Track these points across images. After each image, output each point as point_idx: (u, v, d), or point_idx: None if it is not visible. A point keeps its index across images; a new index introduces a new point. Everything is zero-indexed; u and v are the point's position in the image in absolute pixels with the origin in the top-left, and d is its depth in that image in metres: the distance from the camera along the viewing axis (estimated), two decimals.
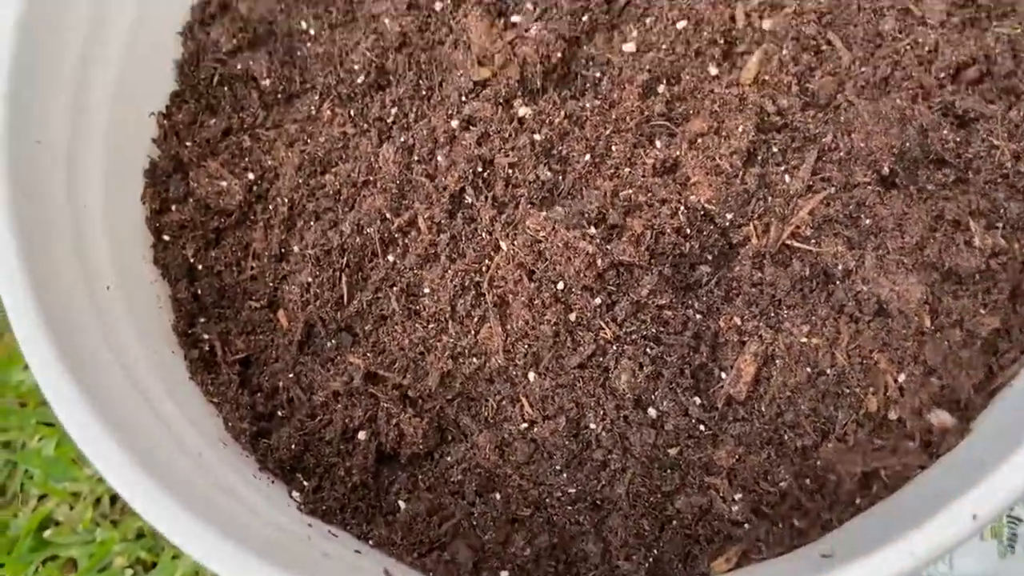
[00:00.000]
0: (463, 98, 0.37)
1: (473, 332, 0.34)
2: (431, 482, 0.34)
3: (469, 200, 0.35)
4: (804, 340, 0.32)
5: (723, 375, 0.33)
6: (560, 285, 0.33)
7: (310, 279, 0.36)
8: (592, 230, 0.33)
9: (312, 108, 0.40)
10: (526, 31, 0.37)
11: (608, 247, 0.33)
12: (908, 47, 0.34)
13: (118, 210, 0.36)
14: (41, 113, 0.32)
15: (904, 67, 0.33)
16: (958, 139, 0.32)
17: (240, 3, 0.40)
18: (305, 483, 0.34)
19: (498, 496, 0.34)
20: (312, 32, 0.41)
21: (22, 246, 0.29)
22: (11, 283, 0.28)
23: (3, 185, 0.30)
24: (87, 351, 0.29)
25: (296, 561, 0.28)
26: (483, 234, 0.35)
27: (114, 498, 0.53)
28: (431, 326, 0.35)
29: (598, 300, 0.33)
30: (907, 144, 0.32)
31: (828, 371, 0.32)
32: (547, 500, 0.33)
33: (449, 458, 0.34)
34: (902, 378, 0.31)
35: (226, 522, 0.28)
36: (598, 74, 0.37)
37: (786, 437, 0.32)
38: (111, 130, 0.36)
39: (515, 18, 0.38)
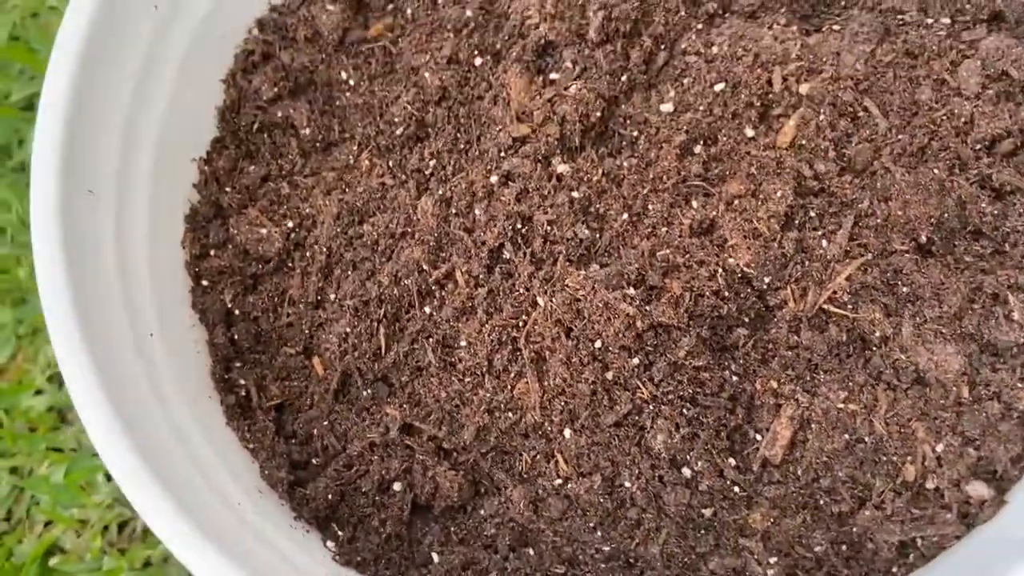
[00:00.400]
0: (502, 154, 0.37)
1: (509, 387, 0.35)
2: (464, 535, 0.35)
3: (507, 255, 0.36)
4: (841, 406, 0.32)
5: (759, 437, 0.33)
6: (598, 344, 0.34)
7: (348, 329, 0.36)
8: (632, 291, 0.33)
9: (350, 158, 0.40)
10: (565, 89, 0.37)
11: (647, 308, 0.33)
12: (944, 117, 0.34)
13: (160, 255, 0.37)
14: (92, 162, 0.33)
15: (941, 137, 0.34)
16: (995, 212, 0.33)
17: (282, 52, 0.41)
18: (340, 533, 0.34)
19: (531, 552, 0.34)
20: (352, 83, 0.42)
21: (76, 297, 0.29)
22: (67, 339, 0.28)
23: (57, 234, 0.30)
24: (136, 403, 0.29)
25: None
26: (521, 290, 0.35)
27: (122, 526, 0.53)
28: (467, 379, 0.35)
29: (635, 360, 0.33)
30: (945, 214, 0.33)
31: (866, 438, 0.32)
32: (580, 557, 0.33)
33: (483, 512, 0.35)
34: (940, 448, 0.31)
35: (265, 573, 0.28)
36: (635, 133, 0.37)
37: (822, 502, 0.32)
38: (155, 176, 0.37)
39: (554, 75, 0.38)
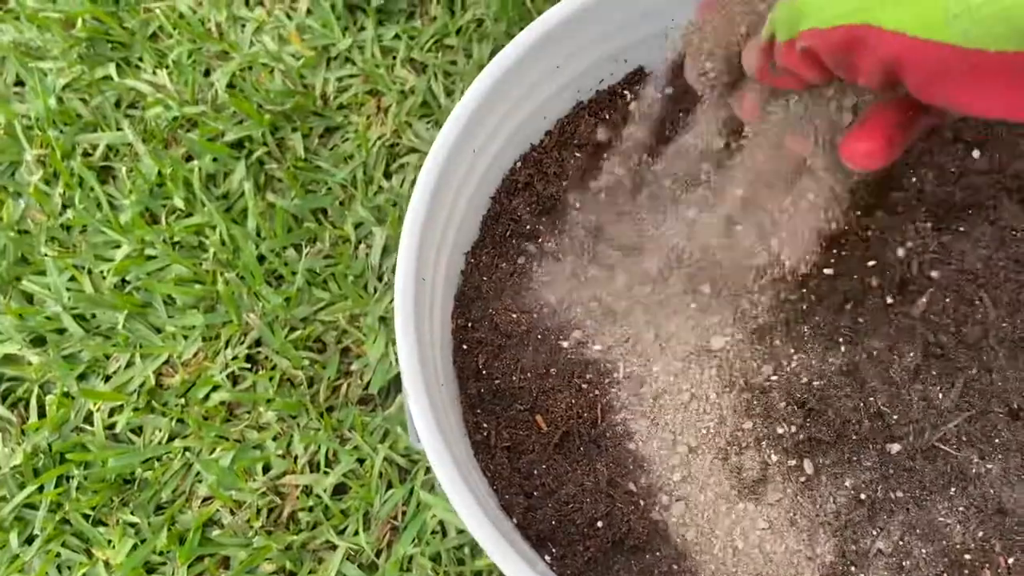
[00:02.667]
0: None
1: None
2: (643, 567, 0.47)
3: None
4: (940, 519, 0.44)
5: (874, 532, 0.45)
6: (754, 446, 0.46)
7: (572, 400, 0.49)
8: (797, 410, 0.46)
9: (575, 265, 0.54)
10: None
11: (807, 423, 0.46)
12: None
13: (445, 326, 0.50)
14: (423, 260, 0.46)
15: None
16: None
17: (538, 183, 0.55)
18: (554, 550, 0.47)
19: None
20: (578, 205, 0.55)
21: (419, 354, 0.43)
22: (416, 392, 0.41)
23: (411, 310, 0.43)
24: (455, 441, 0.42)
25: None
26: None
27: (270, 512, 0.63)
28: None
29: (792, 462, 0.46)
30: None
31: (958, 546, 0.44)
32: None
33: (658, 553, 0.47)
34: (1011, 560, 0.43)
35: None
36: None
37: None
38: (447, 267, 0.50)
39: None
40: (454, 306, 0.52)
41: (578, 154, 0.55)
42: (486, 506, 0.42)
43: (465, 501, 0.40)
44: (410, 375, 0.42)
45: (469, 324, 0.52)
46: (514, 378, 0.51)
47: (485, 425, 0.50)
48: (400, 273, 0.44)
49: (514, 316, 0.52)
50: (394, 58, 0.76)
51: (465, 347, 0.52)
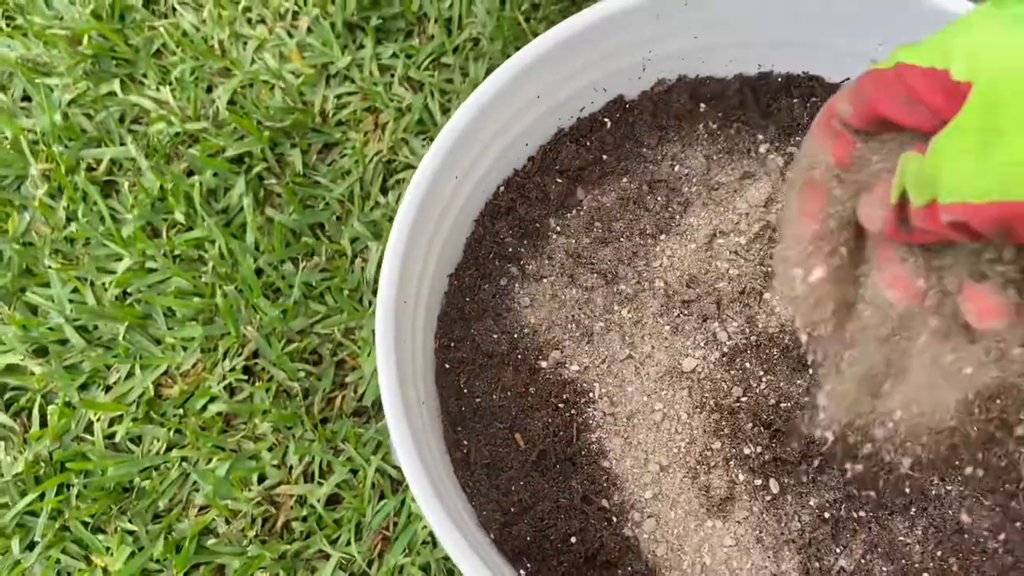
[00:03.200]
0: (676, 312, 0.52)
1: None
2: None
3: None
4: (901, 539, 0.46)
5: (838, 550, 0.47)
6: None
7: (549, 420, 0.51)
8: (764, 431, 0.48)
9: (554, 287, 0.55)
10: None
11: (773, 444, 0.48)
12: None
13: (428, 346, 0.52)
14: (404, 284, 0.48)
15: None
16: None
17: (520, 207, 0.57)
18: (529, 565, 0.48)
19: None
20: (559, 229, 0.57)
21: (398, 373, 0.45)
22: (394, 406, 0.43)
23: (391, 331, 0.45)
24: (432, 461, 0.44)
25: None
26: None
27: (265, 521, 0.65)
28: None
29: (760, 480, 0.48)
30: None
31: (916, 564, 0.46)
32: None
33: (630, 568, 0.49)
34: None
35: None
36: None
37: None
38: (430, 288, 0.52)
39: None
40: (437, 326, 0.54)
41: (559, 180, 0.56)
42: (461, 522, 0.44)
43: (438, 517, 0.42)
44: (389, 397, 0.44)
45: (451, 344, 0.54)
46: (494, 397, 0.53)
47: (466, 442, 0.52)
48: (381, 298, 0.46)
49: (495, 336, 0.53)
50: (392, 76, 0.78)
51: (447, 366, 0.54)
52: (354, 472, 0.67)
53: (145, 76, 0.80)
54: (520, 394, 0.53)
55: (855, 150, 0.33)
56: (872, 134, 0.32)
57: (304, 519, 0.66)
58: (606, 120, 0.57)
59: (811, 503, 0.48)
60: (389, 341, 0.45)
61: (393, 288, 0.46)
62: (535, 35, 0.52)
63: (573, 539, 0.49)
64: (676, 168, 0.55)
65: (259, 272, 0.72)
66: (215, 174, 0.75)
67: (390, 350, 0.45)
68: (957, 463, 0.46)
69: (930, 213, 0.28)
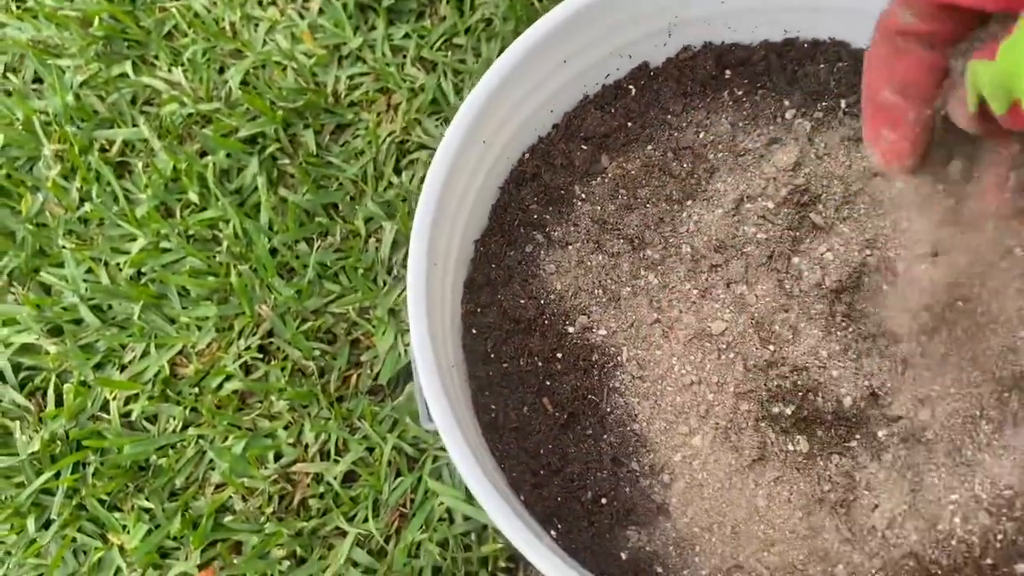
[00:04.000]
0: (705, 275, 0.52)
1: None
2: (647, 542, 0.48)
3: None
4: (931, 497, 0.46)
5: (870, 509, 0.47)
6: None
7: (577, 384, 0.51)
8: (794, 391, 0.48)
9: (579, 253, 0.55)
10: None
11: (804, 404, 0.48)
12: None
13: (456, 311, 0.52)
14: (434, 245, 0.48)
15: None
16: None
17: (545, 174, 0.57)
18: (560, 526, 0.48)
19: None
20: (584, 196, 0.57)
21: (431, 334, 0.44)
22: (429, 372, 0.43)
23: (423, 292, 0.45)
24: (465, 421, 0.44)
25: None
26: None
27: (281, 498, 0.65)
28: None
29: (790, 441, 0.48)
30: None
31: (948, 525, 0.46)
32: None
33: (659, 529, 0.48)
34: (999, 536, 0.44)
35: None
36: None
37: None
38: (458, 255, 0.52)
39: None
40: (464, 292, 0.54)
41: (584, 147, 0.56)
42: (495, 482, 0.44)
43: (475, 475, 0.41)
44: (422, 353, 0.44)
45: (478, 309, 0.54)
46: (521, 362, 0.53)
47: (493, 407, 0.52)
48: (413, 255, 0.46)
49: (522, 302, 0.53)
50: (404, 57, 0.78)
51: (474, 331, 0.53)
52: (370, 450, 0.67)
53: (157, 58, 0.80)
54: (547, 359, 0.53)
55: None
56: (937, 42, 0.31)
57: (321, 496, 0.65)
58: (631, 87, 0.57)
59: (843, 463, 0.48)
60: (420, 299, 0.45)
61: (424, 247, 0.46)
62: None
63: (603, 500, 0.48)
64: (701, 135, 0.55)
65: (273, 252, 0.72)
66: (228, 155, 0.75)
67: (421, 308, 0.44)
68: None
69: (1015, 116, 0.27)
